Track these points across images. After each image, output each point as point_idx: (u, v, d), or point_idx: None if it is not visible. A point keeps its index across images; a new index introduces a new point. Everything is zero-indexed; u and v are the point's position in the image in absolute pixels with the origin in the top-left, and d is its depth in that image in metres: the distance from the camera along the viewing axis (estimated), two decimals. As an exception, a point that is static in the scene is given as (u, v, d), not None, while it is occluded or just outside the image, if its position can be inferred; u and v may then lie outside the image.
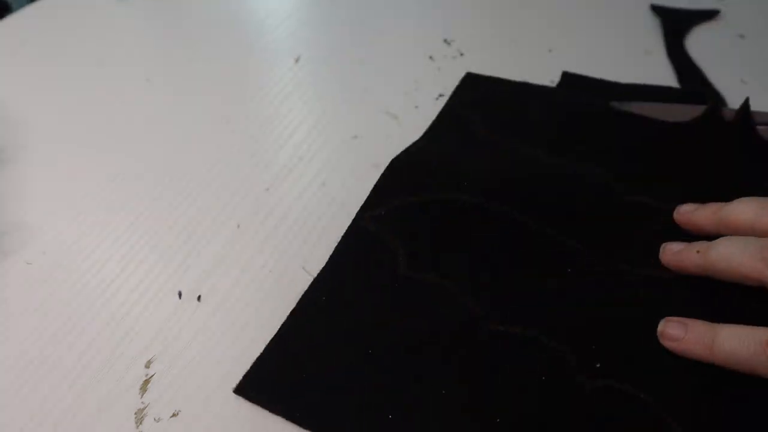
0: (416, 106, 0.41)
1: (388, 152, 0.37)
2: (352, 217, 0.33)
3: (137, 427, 0.24)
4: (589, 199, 0.32)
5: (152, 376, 0.26)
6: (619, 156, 0.34)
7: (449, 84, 0.43)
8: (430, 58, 0.46)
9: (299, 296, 0.29)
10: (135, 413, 0.25)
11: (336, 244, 0.31)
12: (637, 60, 0.44)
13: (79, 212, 0.34)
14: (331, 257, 0.30)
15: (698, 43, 0.47)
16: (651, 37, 0.47)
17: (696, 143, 0.34)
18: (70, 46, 0.48)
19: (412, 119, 0.40)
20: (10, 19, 0.52)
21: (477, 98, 0.40)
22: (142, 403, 0.25)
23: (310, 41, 0.49)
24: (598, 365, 0.24)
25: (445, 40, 0.48)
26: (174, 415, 0.25)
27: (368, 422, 0.23)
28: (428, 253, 0.29)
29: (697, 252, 0.26)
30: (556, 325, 0.26)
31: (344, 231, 0.32)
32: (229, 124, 0.40)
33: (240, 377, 0.26)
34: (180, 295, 0.30)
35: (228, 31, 0.50)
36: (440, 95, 0.42)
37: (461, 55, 0.46)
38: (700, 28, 0.48)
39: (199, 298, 0.29)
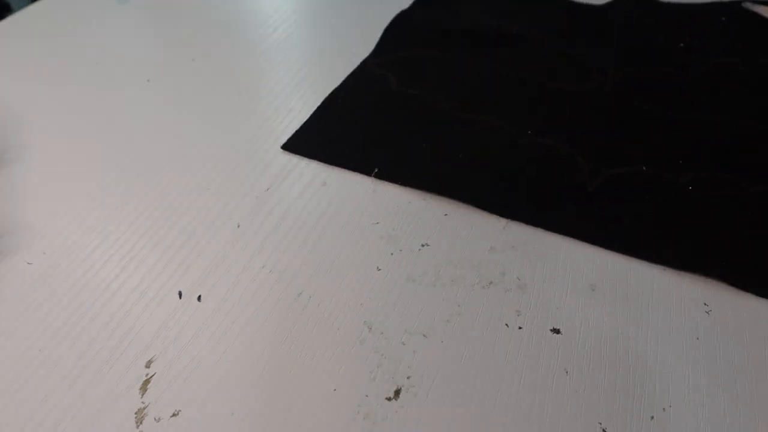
0: (416, 106, 0.41)
1: (388, 152, 0.37)
2: (352, 218, 0.33)
3: (137, 427, 0.24)
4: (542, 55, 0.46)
5: (152, 376, 0.26)
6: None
7: (449, 84, 0.43)
8: (430, 58, 0.46)
9: (299, 296, 0.29)
10: (135, 413, 0.25)
11: (338, 235, 0.32)
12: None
13: (79, 212, 0.34)
14: (343, 82, 0.43)
15: (698, 43, 0.47)
16: None
17: None
18: (70, 46, 0.48)
19: (412, 119, 0.40)
20: (10, 19, 0.52)
21: None
22: (142, 403, 0.25)
23: (310, 41, 0.49)
24: (529, 132, 0.38)
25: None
26: (174, 415, 0.25)
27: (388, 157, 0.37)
28: (413, 78, 0.43)
29: None
30: (492, 107, 0.40)
31: (345, 232, 0.32)
32: (229, 124, 0.40)
33: (239, 377, 0.26)
34: (180, 295, 0.30)
35: (228, 31, 0.50)
36: (440, 95, 0.42)
37: (461, 55, 0.46)
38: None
39: (199, 298, 0.29)
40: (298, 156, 0.37)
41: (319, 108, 0.41)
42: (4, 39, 0.49)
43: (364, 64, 0.45)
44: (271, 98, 0.42)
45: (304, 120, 0.40)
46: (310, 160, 0.37)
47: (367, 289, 0.30)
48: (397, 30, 0.49)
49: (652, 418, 0.25)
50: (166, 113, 0.41)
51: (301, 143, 0.38)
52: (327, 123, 0.40)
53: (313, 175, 0.36)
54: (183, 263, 0.31)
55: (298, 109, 0.41)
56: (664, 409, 0.25)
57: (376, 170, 0.35)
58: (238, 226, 0.33)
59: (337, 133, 0.39)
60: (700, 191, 0.34)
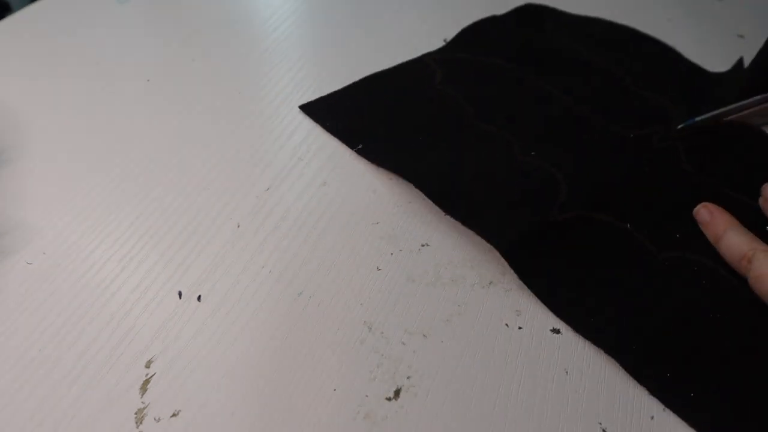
0: (416, 106, 0.41)
1: (388, 152, 0.37)
2: (352, 218, 0.33)
3: (137, 427, 0.24)
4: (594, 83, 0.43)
5: (152, 376, 0.26)
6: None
7: (449, 84, 0.43)
8: (430, 58, 0.46)
9: (299, 296, 0.29)
10: (135, 413, 0.25)
11: (341, 238, 0.32)
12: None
13: (79, 212, 0.34)
14: (395, 66, 0.44)
15: (698, 43, 0.47)
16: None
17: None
18: (70, 46, 0.48)
19: (412, 119, 0.40)
20: (10, 19, 0.52)
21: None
22: (142, 403, 0.25)
23: (311, 41, 0.49)
24: (533, 153, 0.36)
25: (445, 40, 0.48)
26: (174, 415, 0.25)
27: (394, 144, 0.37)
28: (459, 80, 0.43)
29: (723, 230, 0.31)
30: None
31: (345, 232, 0.32)
32: (229, 124, 0.40)
33: (239, 377, 0.26)
34: (180, 295, 0.30)
35: (228, 31, 0.50)
36: (440, 95, 0.42)
37: (461, 55, 0.46)
38: (699, 28, 0.48)
39: (199, 298, 0.29)
40: (297, 156, 0.37)
41: (354, 84, 0.42)
42: (3, 39, 0.49)
43: (424, 55, 0.45)
44: (272, 98, 0.42)
45: (330, 91, 0.42)
46: (311, 159, 0.37)
47: (367, 289, 0.30)
48: (474, 32, 0.48)
49: (652, 418, 0.25)
50: (166, 113, 0.41)
51: (317, 109, 0.40)
52: (350, 98, 0.41)
53: (313, 175, 0.36)
54: (183, 263, 0.31)
55: (298, 109, 0.41)
56: (664, 409, 0.25)
57: (360, 146, 0.37)
58: (238, 226, 0.33)
59: (354, 109, 0.40)
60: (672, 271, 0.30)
